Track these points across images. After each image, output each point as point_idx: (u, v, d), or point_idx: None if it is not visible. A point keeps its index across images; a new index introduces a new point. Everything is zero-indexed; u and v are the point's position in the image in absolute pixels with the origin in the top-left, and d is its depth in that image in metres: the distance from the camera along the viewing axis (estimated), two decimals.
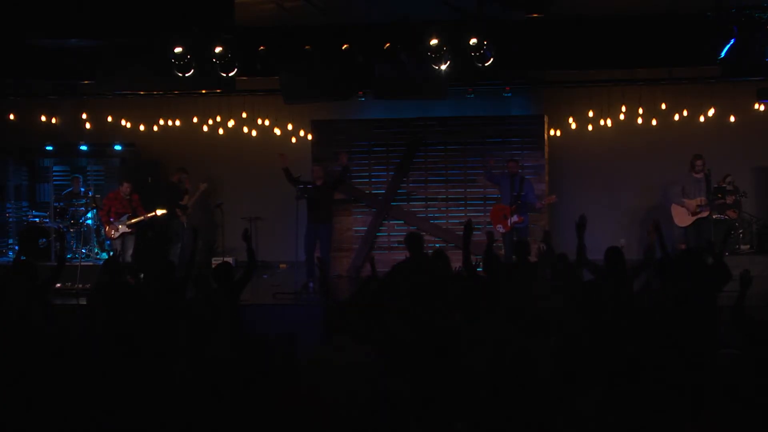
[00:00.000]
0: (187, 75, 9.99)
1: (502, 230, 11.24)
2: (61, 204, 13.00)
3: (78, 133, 13.65)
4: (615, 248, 7.17)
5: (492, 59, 9.54)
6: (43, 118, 13.41)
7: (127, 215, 11.85)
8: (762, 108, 12.51)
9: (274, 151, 12.18)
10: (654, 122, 12.79)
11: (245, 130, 13.65)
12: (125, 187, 12.00)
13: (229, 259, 11.90)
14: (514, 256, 8.73)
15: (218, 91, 11.78)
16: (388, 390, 4.31)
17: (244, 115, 13.29)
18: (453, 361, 5.01)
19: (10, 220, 14.07)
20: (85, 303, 8.39)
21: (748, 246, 12.26)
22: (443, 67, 9.68)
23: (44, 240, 12.77)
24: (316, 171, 11.58)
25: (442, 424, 4.07)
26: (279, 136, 13.47)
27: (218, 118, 13.50)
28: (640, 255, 9.14)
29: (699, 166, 11.26)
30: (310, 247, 11.38)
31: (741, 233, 12.18)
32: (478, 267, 7.61)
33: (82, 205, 12.87)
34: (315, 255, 11.50)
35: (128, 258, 11.81)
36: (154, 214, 12.05)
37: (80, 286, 10.84)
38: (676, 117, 12.74)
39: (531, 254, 8.04)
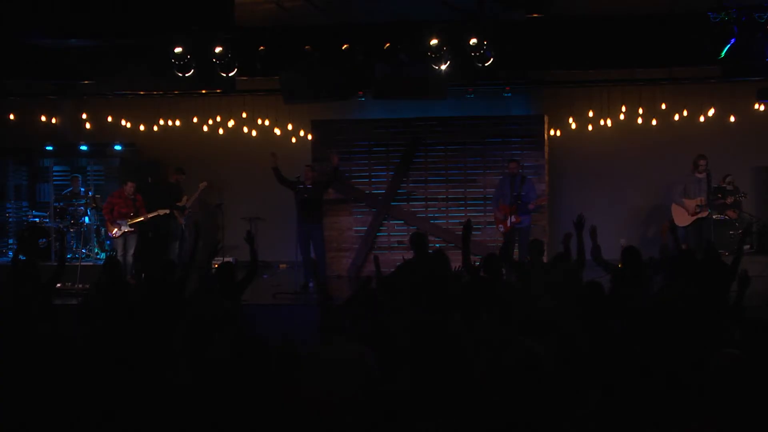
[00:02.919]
0: (187, 75, 9.99)
1: (502, 230, 11.27)
2: (61, 204, 13.01)
3: (78, 133, 13.66)
4: (632, 248, 7.17)
5: (492, 59, 9.55)
6: (43, 118, 13.42)
7: (130, 215, 11.87)
8: (762, 108, 12.51)
9: (274, 151, 12.19)
10: (654, 122, 12.79)
11: (245, 130, 13.66)
12: (129, 187, 12.01)
13: (230, 259, 11.93)
14: (528, 257, 8.70)
15: (218, 91, 11.78)
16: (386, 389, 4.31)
17: (244, 115, 13.31)
18: (452, 362, 5.00)
19: (10, 220, 14.07)
20: (81, 301, 8.36)
21: (749, 246, 12.25)
22: (443, 67, 9.68)
23: (44, 240, 12.78)
24: (305, 172, 11.60)
25: (440, 423, 4.06)
26: (279, 136, 13.47)
27: (218, 118, 13.51)
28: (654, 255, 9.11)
29: (702, 166, 11.26)
30: (305, 247, 11.40)
31: (741, 233, 12.16)
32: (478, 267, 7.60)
33: (82, 205, 12.87)
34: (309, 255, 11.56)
35: (129, 258, 11.83)
36: (156, 214, 12.07)
37: (80, 286, 10.86)
38: (676, 117, 12.74)
39: (544, 254, 8.02)
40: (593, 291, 5.95)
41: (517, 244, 11.09)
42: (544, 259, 8.11)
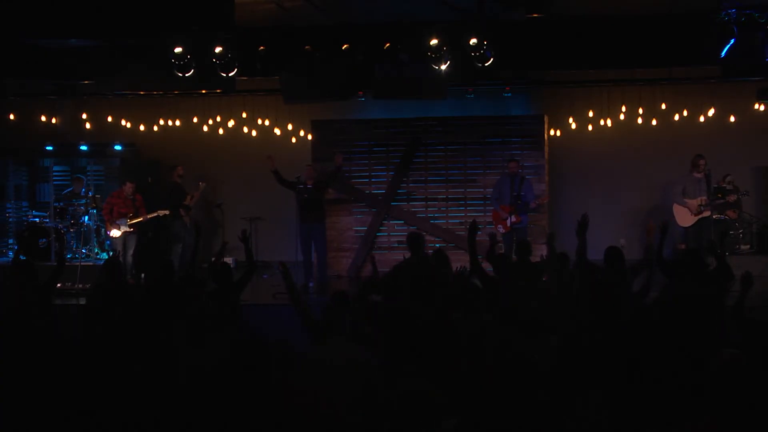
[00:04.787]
0: (187, 75, 9.99)
1: (502, 230, 11.27)
2: (61, 204, 13.00)
3: (78, 133, 13.65)
4: (614, 248, 7.18)
5: (492, 59, 9.54)
6: (43, 118, 13.42)
7: (129, 215, 11.86)
8: (762, 108, 12.50)
9: (274, 151, 12.20)
10: (654, 122, 12.79)
11: (245, 130, 13.66)
12: (128, 187, 12.00)
13: (229, 260, 11.90)
14: (514, 256, 8.73)
15: (218, 91, 11.78)
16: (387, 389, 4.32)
17: (244, 115, 13.30)
18: (453, 361, 5.00)
19: (10, 220, 14.07)
20: (84, 303, 8.38)
21: (748, 246, 12.26)
22: (443, 67, 9.68)
23: (44, 240, 12.77)
24: (307, 171, 11.62)
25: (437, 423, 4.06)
26: (279, 136, 13.47)
27: (218, 118, 13.51)
28: (640, 255, 9.12)
29: (702, 165, 11.26)
30: (307, 247, 11.40)
31: (741, 233, 12.17)
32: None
33: (82, 205, 12.86)
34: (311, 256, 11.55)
35: (129, 258, 11.82)
36: (155, 214, 12.06)
37: (80, 286, 10.85)
38: (676, 117, 12.74)
39: (532, 254, 8.03)
40: (596, 290, 5.95)
41: (513, 244, 11.10)
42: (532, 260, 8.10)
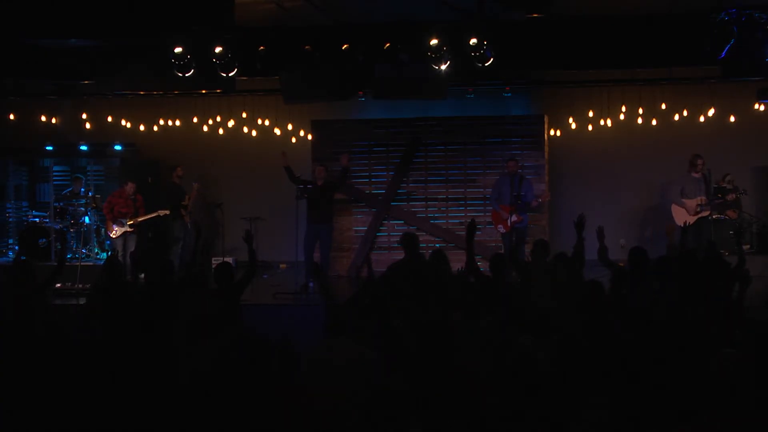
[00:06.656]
0: (187, 75, 9.99)
1: (502, 230, 11.27)
2: (61, 204, 13.00)
3: (78, 133, 13.65)
4: (639, 248, 7.19)
5: (492, 59, 9.54)
6: (43, 118, 13.42)
7: (129, 215, 11.87)
8: (762, 108, 12.50)
9: (274, 151, 12.19)
10: (654, 122, 12.79)
11: (245, 130, 13.67)
12: (129, 187, 12.02)
13: (230, 259, 11.91)
14: (529, 256, 8.66)
15: (218, 91, 11.78)
16: (388, 389, 4.32)
17: (244, 115, 13.31)
18: (452, 362, 5.00)
19: (10, 220, 14.07)
20: (84, 303, 8.38)
21: (748, 246, 12.26)
22: (443, 67, 9.68)
23: (44, 240, 12.77)
24: (318, 171, 11.61)
25: (439, 425, 4.07)
26: (279, 136, 13.47)
27: (218, 118, 13.51)
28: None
29: (700, 165, 11.26)
30: (310, 247, 11.41)
31: (734, 234, 12.16)
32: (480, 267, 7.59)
33: (82, 205, 12.86)
34: (315, 256, 11.53)
35: (129, 258, 11.81)
36: (156, 215, 12.06)
37: (80, 286, 10.86)
38: (676, 117, 12.74)
39: (549, 255, 7.98)
40: (594, 290, 5.95)
41: (514, 245, 11.09)
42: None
